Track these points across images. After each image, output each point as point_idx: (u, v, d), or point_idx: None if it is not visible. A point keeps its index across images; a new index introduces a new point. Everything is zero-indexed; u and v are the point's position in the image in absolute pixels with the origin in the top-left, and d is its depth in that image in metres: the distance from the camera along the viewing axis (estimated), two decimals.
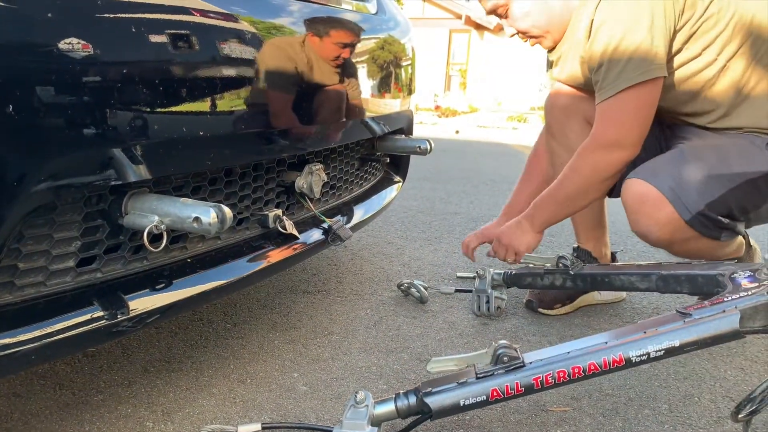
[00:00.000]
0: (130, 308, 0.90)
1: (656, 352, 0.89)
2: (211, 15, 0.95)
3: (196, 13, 0.92)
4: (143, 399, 1.15)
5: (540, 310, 1.65)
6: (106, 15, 0.79)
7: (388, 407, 0.96)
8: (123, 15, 0.81)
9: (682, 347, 0.90)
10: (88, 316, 0.86)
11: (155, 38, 0.85)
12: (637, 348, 0.90)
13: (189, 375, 1.25)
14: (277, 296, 1.70)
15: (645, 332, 0.90)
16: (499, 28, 16.31)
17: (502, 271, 1.61)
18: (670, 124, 1.49)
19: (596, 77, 1.38)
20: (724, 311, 0.89)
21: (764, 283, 0.98)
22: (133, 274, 0.94)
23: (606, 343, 0.92)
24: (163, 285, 0.97)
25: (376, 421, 0.95)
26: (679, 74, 1.37)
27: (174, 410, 1.12)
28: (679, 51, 1.35)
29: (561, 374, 0.91)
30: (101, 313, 0.87)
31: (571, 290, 1.54)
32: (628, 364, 0.90)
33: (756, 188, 1.35)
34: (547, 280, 1.47)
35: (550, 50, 1.59)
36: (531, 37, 1.55)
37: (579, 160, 1.42)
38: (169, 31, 0.87)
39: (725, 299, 0.91)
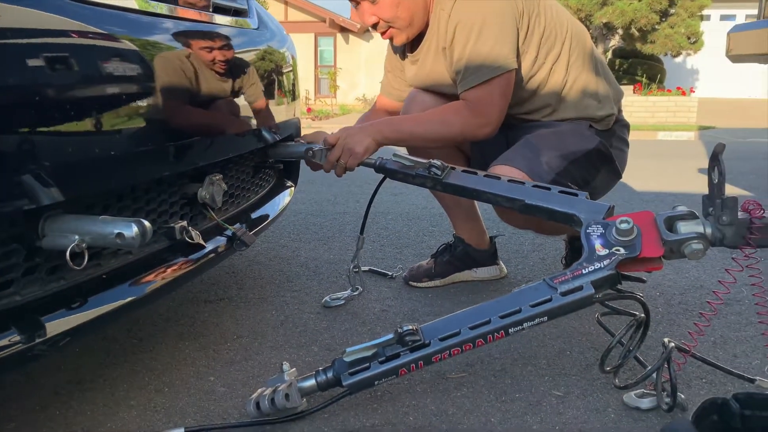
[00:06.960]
0: (47, 330, 0.92)
1: (530, 325, 1.11)
2: (90, 36, 0.95)
3: (74, 35, 0.92)
4: (60, 421, 1.15)
5: (410, 282, 1.89)
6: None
7: (310, 382, 1.12)
8: (14, 41, 0.82)
9: (549, 318, 1.12)
10: (6, 341, 0.87)
11: (47, 62, 0.86)
12: (515, 325, 1.10)
13: (104, 392, 1.25)
14: (178, 308, 1.71)
15: (521, 309, 1.09)
16: (363, 29, 16.68)
17: (377, 159, 1.54)
18: (512, 125, 1.66)
19: (457, 68, 1.55)
20: (582, 287, 1.10)
21: (613, 250, 1.18)
22: (50, 295, 0.95)
23: (489, 321, 1.10)
24: (79, 304, 0.99)
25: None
26: (519, 75, 1.58)
27: (95, 427, 1.13)
28: (518, 53, 1.56)
29: (455, 351, 1.10)
30: (18, 338, 0.88)
31: (440, 192, 1.55)
32: (507, 335, 1.11)
33: (590, 161, 1.61)
34: (418, 180, 1.46)
35: (408, 48, 1.72)
36: (392, 28, 1.60)
37: (452, 115, 1.55)
38: (55, 54, 0.88)
39: (583, 271, 1.11)
